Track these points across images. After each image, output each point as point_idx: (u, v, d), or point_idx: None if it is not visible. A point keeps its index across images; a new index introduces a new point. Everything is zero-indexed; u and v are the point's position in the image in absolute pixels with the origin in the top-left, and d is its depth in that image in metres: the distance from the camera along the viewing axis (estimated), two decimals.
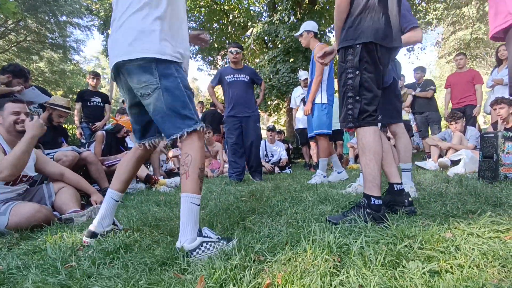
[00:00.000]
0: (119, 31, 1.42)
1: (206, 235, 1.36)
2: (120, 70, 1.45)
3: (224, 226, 1.74)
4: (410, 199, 1.77)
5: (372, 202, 1.59)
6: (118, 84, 1.55)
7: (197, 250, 1.29)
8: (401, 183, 1.81)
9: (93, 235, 1.57)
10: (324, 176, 3.64)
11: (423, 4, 13.06)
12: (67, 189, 2.40)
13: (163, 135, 1.55)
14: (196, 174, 1.38)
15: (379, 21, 1.59)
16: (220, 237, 1.39)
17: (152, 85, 1.38)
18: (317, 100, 3.53)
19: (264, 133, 6.05)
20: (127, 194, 3.24)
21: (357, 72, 1.61)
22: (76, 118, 5.36)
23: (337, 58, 1.79)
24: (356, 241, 1.22)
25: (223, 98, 4.37)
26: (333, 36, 12.37)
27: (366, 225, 1.45)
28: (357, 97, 1.63)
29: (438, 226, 1.49)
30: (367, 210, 1.58)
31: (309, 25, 3.57)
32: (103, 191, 2.92)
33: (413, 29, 2.30)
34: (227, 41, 14.77)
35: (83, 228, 1.86)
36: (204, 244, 1.31)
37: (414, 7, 12.84)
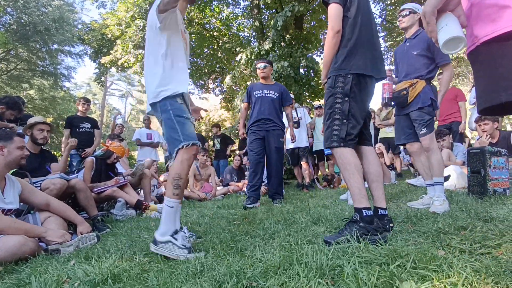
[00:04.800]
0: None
1: (176, 240, 1.64)
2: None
3: (216, 251, 1.70)
4: (391, 225, 1.79)
5: (364, 214, 1.63)
6: None
7: (163, 244, 1.62)
8: (385, 209, 1.83)
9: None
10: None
11: None
12: (54, 219, 2.33)
13: None
14: (170, 182, 1.73)
15: (368, 55, 1.78)
16: (189, 248, 1.65)
17: (159, 118, 1.89)
18: None
19: None
20: (116, 221, 3.17)
21: (346, 98, 1.75)
22: (63, 145, 5.29)
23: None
24: (349, 263, 1.20)
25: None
26: (321, 59, 12.80)
27: (359, 245, 1.44)
28: (345, 121, 1.75)
29: (431, 244, 1.49)
30: (361, 223, 1.60)
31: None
32: (92, 219, 2.85)
33: (447, 65, 2.66)
34: (217, 65, 15.08)
35: (69, 259, 1.79)
36: (169, 244, 1.62)
37: (397, 29, 13.43)
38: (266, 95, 3.90)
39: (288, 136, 5.91)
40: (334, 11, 1.77)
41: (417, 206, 2.66)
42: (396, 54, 3.02)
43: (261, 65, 3.95)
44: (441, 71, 3.18)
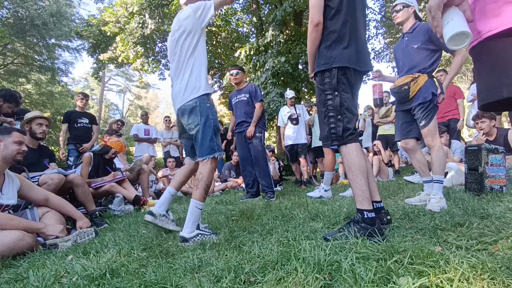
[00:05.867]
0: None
1: (202, 229, 1.94)
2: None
3: (214, 246, 1.71)
4: (388, 217, 1.81)
5: (366, 216, 1.61)
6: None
7: (194, 238, 1.87)
8: (380, 201, 1.84)
9: (151, 213, 2.12)
10: (326, 190, 3.66)
11: None
12: (52, 214, 2.32)
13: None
14: (203, 188, 1.96)
15: (352, 47, 1.72)
16: (212, 231, 1.97)
17: (195, 120, 1.99)
18: None
19: None
20: (114, 217, 3.17)
21: (336, 93, 1.71)
22: (61, 139, 5.27)
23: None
24: (346, 258, 1.21)
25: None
26: None
27: (356, 241, 1.44)
28: (339, 116, 1.72)
29: (428, 240, 1.50)
30: (362, 224, 1.59)
31: None
32: (90, 214, 2.85)
33: (458, 52, 2.63)
34: (216, 61, 15.02)
35: (67, 254, 1.80)
36: (199, 235, 1.89)
37: (396, 26, 13.39)
38: (239, 100, 4.22)
39: (286, 132, 5.93)
40: (313, 1, 1.69)
41: (415, 203, 2.67)
42: (395, 50, 2.99)
43: (233, 71, 4.18)
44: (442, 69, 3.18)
